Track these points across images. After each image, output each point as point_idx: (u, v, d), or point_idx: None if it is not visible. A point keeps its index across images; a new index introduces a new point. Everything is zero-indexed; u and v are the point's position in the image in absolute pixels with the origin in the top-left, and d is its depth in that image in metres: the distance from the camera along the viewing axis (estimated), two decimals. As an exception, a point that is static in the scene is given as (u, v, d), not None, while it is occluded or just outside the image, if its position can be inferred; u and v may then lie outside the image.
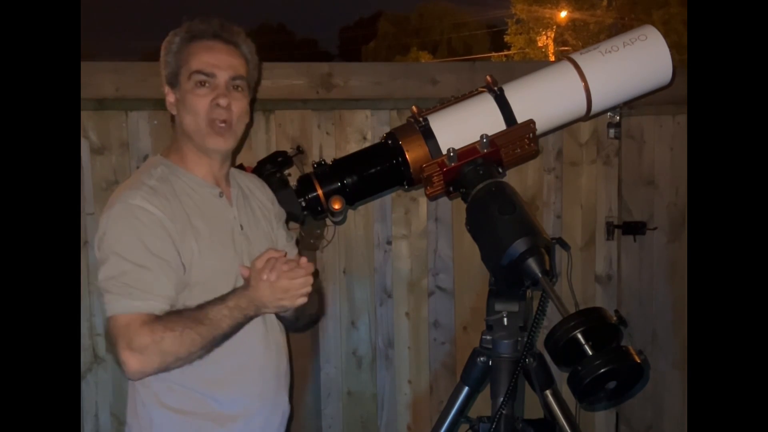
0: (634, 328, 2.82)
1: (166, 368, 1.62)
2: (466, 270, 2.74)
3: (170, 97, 1.78)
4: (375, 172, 1.94)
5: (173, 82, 1.76)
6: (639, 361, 1.58)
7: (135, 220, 1.63)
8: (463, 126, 1.92)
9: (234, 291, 1.65)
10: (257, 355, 1.79)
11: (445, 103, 1.99)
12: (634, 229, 2.83)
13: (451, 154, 1.88)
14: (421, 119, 1.93)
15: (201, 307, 1.62)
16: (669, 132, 2.84)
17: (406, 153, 1.90)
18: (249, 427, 1.78)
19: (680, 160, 2.79)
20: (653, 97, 2.17)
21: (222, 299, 1.63)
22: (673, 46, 2.07)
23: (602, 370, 1.54)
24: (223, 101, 1.72)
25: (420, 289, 2.77)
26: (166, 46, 1.77)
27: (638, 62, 1.97)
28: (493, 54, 23.73)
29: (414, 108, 1.96)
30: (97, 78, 2.47)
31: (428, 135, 1.91)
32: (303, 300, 1.65)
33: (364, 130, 2.68)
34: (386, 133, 1.99)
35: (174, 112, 1.78)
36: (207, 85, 1.72)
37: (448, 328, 2.78)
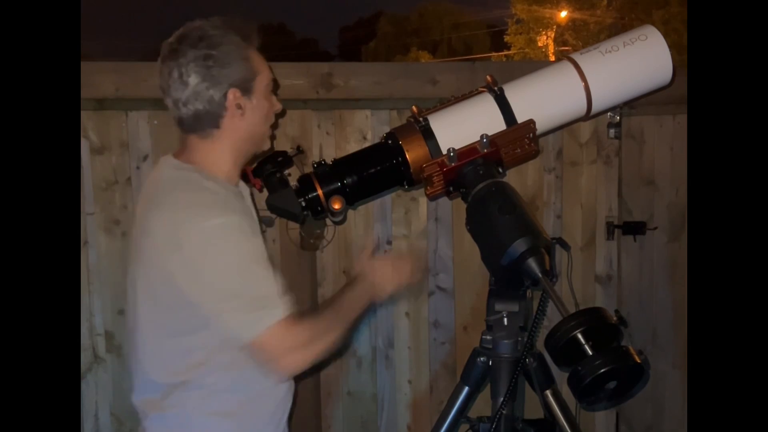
0: (634, 328, 2.81)
1: (318, 359, 1.67)
2: (466, 270, 2.74)
3: (239, 101, 1.69)
4: (375, 172, 1.93)
5: (248, 88, 1.70)
6: (639, 361, 1.58)
7: (234, 235, 1.62)
8: (463, 126, 1.92)
9: (349, 283, 1.80)
10: None
11: (445, 103, 1.99)
12: (634, 229, 2.82)
13: (451, 154, 1.87)
14: (421, 119, 1.93)
15: (331, 299, 1.80)
16: (669, 132, 2.83)
17: (406, 153, 1.90)
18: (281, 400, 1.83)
19: (680, 160, 2.78)
20: (653, 97, 2.17)
21: (342, 290, 1.78)
22: (673, 46, 2.07)
23: (602, 370, 1.54)
24: (279, 107, 1.84)
25: (420, 289, 2.76)
26: (232, 49, 1.67)
27: (638, 62, 1.97)
28: (493, 54, 23.77)
29: (414, 108, 1.96)
30: (97, 78, 2.46)
31: (428, 135, 1.91)
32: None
33: (364, 130, 2.68)
34: (386, 133, 1.98)
35: (232, 116, 1.69)
36: None
37: (448, 328, 2.78)
